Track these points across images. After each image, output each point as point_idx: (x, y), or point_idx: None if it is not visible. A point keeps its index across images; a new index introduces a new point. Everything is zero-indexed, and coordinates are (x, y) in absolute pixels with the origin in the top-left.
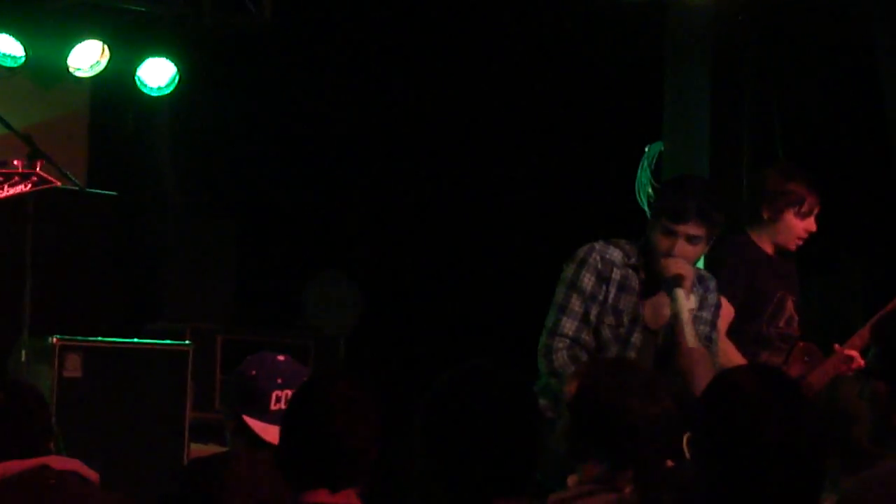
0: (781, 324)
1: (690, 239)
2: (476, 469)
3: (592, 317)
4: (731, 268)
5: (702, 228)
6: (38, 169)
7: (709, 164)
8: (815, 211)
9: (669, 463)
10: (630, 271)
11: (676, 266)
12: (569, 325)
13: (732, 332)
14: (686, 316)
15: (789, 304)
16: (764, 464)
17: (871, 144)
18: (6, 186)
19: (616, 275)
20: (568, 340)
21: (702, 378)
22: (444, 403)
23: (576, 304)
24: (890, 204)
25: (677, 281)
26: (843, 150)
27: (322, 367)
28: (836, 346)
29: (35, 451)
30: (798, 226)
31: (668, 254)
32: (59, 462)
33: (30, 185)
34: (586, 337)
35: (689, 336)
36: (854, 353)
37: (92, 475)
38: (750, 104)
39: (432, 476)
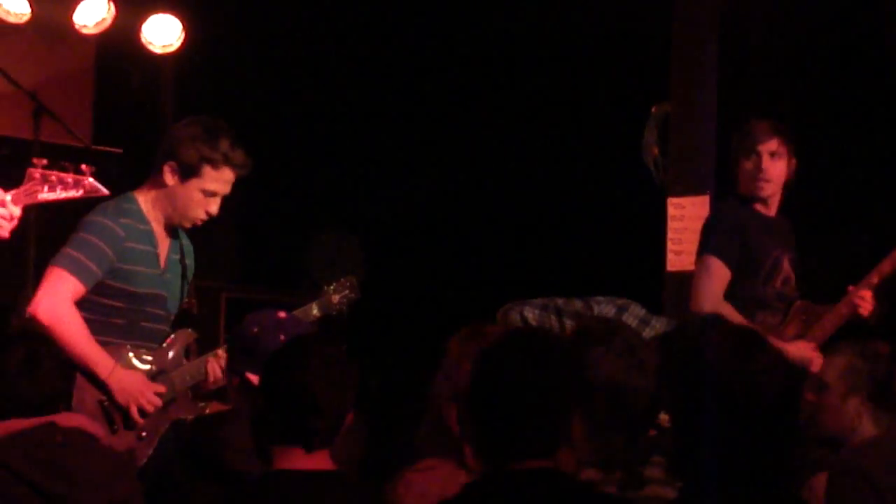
0: (778, 284)
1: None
2: (515, 431)
3: None
4: (723, 230)
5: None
6: (88, 176)
7: (716, 126)
8: (769, 148)
9: (652, 432)
10: None
11: None
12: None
13: (729, 295)
14: None
15: (785, 264)
16: (728, 416)
17: (877, 104)
18: (59, 189)
19: None
20: None
21: None
22: (494, 365)
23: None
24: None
25: None
26: (849, 112)
27: (325, 325)
28: (850, 287)
29: (45, 409)
30: (748, 166)
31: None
32: (66, 419)
33: (81, 192)
34: None
35: None
36: (867, 294)
37: (98, 431)
38: (758, 65)
39: (472, 435)
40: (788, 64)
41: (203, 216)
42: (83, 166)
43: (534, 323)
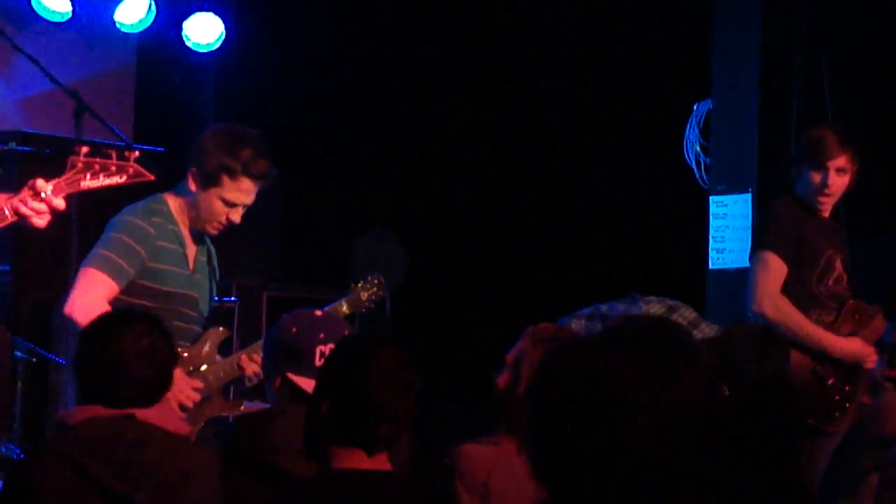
0: (831, 282)
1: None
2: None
3: None
4: (780, 226)
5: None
6: (132, 160)
7: (757, 123)
8: (837, 164)
9: None
10: None
11: None
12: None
13: (783, 292)
14: None
15: (838, 264)
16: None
17: None
18: (102, 176)
19: None
20: None
21: None
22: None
23: None
24: None
25: None
26: (892, 109)
27: (368, 324)
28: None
29: (153, 397)
30: (813, 177)
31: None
32: (147, 414)
33: (125, 177)
34: None
35: None
36: None
37: (181, 429)
38: (799, 62)
39: None
40: (830, 61)
41: (223, 224)
42: (127, 152)
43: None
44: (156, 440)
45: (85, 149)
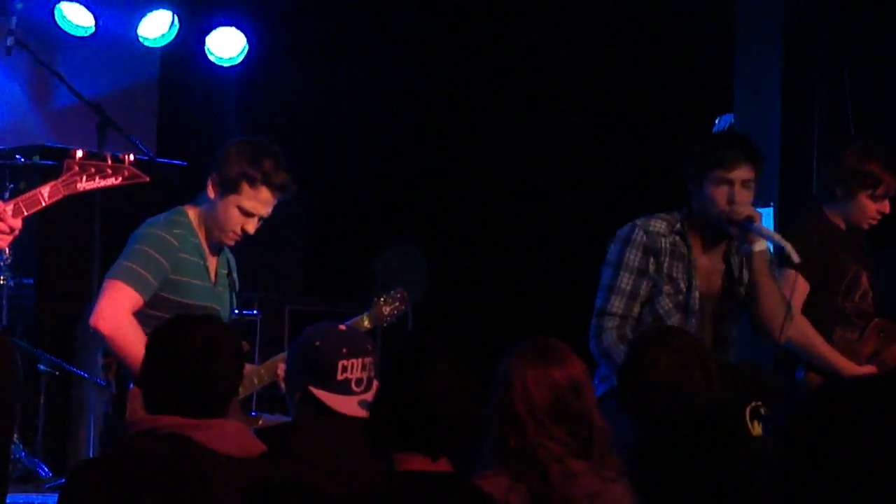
0: (856, 299)
1: (745, 184)
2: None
3: (643, 291)
4: (803, 244)
5: (752, 172)
6: (127, 163)
7: (779, 137)
8: (892, 193)
9: None
10: (677, 238)
11: (747, 208)
12: (617, 304)
13: (807, 308)
14: (779, 237)
15: (864, 280)
16: None
17: None
18: (98, 178)
19: (665, 244)
20: (617, 319)
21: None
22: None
23: (623, 281)
24: None
25: (751, 220)
26: None
27: (391, 338)
28: None
29: (214, 408)
30: (871, 208)
31: (730, 203)
32: (208, 434)
33: (121, 179)
34: (636, 312)
35: (792, 252)
36: None
37: (248, 449)
38: (822, 76)
39: None
40: (852, 75)
41: (238, 234)
42: (122, 154)
43: None
44: (211, 469)
45: (80, 153)
